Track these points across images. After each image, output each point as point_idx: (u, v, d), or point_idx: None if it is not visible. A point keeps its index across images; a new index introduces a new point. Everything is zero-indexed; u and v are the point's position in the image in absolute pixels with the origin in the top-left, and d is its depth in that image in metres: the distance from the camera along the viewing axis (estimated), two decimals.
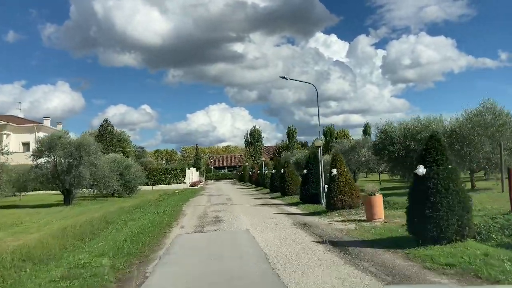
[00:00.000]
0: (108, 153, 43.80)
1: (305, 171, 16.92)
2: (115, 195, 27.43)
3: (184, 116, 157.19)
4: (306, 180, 16.80)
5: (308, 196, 16.42)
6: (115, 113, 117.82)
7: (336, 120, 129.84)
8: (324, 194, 14.38)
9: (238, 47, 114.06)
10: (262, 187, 32.75)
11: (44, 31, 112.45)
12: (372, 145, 20.85)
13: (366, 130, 72.42)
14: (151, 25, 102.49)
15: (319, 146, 15.82)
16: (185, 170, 42.09)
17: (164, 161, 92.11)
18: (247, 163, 52.75)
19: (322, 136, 72.85)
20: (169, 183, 41.16)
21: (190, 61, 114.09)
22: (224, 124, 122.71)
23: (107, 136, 46.84)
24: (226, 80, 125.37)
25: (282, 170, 21.00)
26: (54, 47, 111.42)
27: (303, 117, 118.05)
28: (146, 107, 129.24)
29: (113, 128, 47.95)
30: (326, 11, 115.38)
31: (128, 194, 28.51)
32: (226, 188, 39.37)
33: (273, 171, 25.39)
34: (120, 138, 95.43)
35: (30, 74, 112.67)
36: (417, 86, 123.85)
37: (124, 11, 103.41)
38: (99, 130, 47.27)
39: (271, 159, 66.55)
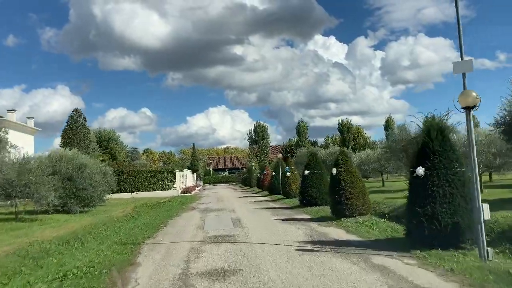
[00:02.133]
0: (83, 153, 34.68)
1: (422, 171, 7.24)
2: (62, 209, 17.81)
3: (184, 119, 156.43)
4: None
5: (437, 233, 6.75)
6: (115, 116, 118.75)
7: (335, 122, 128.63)
8: None
9: (237, 50, 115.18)
10: (279, 196, 23.29)
11: (43, 35, 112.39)
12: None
13: (388, 125, 62.79)
14: (150, 28, 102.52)
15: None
16: (174, 173, 32.52)
17: (161, 163, 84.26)
18: (253, 164, 43.14)
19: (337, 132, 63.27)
20: (154, 189, 31.62)
21: (189, 64, 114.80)
22: (224, 127, 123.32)
23: (79, 131, 37.05)
24: (225, 83, 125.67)
25: (334, 171, 11.40)
26: (54, 51, 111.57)
27: (303, 119, 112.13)
28: (146, 110, 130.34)
29: (85, 121, 38.01)
30: (325, 14, 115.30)
31: (82, 208, 18.86)
32: (229, 196, 29.81)
33: (306, 172, 15.82)
34: (108, 138, 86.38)
35: (30, 78, 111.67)
36: (416, 87, 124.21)
37: (123, 14, 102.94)
38: (67, 123, 37.40)
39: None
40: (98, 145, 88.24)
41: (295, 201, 18.44)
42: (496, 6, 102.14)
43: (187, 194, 31.43)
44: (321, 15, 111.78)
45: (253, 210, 16.58)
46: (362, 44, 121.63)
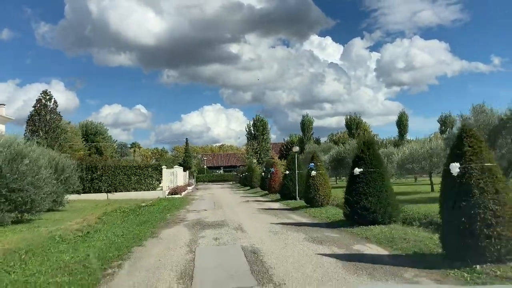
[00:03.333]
0: (53, 146, 28.48)
1: None
2: None
3: (178, 117, 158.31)
4: None
5: None
6: (110, 112, 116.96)
7: (330, 122, 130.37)
8: None
9: (233, 48, 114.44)
10: (298, 202, 17.48)
11: (38, 30, 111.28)
12: None
13: (401, 122, 57.13)
14: (146, 25, 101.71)
15: None
16: (161, 169, 26.46)
17: (154, 161, 78.61)
18: (254, 161, 37.25)
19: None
20: (136, 189, 25.63)
21: (185, 61, 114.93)
22: (218, 125, 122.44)
23: (48, 118, 30.83)
24: (221, 81, 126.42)
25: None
26: (49, 46, 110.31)
27: (297, 118, 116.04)
28: (140, 107, 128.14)
29: (56, 106, 31.71)
30: (322, 14, 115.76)
31: (19, 216, 12.82)
32: (228, 199, 23.88)
33: (358, 170, 9.90)
34: (95, 131, 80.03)
35: (24, 73, 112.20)
36: (411, 89, 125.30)
37: (119, 11, 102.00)
38: (34, 108, 31.07)
39: (284, 157, 51.35)
40: (83, 139, 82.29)
41: (332, 213, 12.59)
42: (490, 10, 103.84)
43: (176, 196, 25.48)
44: (318, 15, 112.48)
45: (274, 228, 10.65)
46: (358, 45, 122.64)
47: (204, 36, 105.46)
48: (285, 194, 19.76)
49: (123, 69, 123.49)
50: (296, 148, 19.49)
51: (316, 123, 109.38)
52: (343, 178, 34.64)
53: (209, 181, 69.58)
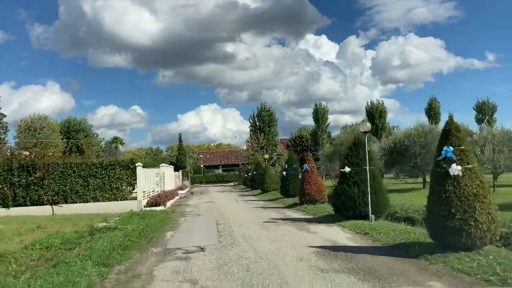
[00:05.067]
0: None
1: None
2: None
3: (174, 117, 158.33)
4: None
5: None
6: (106, 113, 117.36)
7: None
8: None
9: (228, 47, 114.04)
10: (379, 225, 8.92)
11: (33, 31, 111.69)
12: None
13: (431, 109, 48.49)
14: (141, 25, 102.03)
15: None
16: (134, 169, 17.52)
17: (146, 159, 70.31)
18: (266, 156, 28.69)
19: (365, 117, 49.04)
20: (96, 199, 16.87)
21: (180, 61, 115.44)
22: (215, 125, 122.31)
23: None
24: (216, 81, 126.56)
25: None
26: (43, 47, 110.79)
27: (293, 117, 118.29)
28: (136, 108, 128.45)
29: None
30: (317, 13, 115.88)
31: None
32: (239, 215, 14.88)
33: None
34: (77, 128, 71.04)
35: (19, 75, 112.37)
36: (407, 86, 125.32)
37: (114, 11, 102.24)
38: None
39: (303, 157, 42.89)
40: (65, 136, 73.25)
41: None
42: (484, 7, 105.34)
43: (158, 209, 16.76)
44: (313, 14, 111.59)
45: None
46: (353, 43, 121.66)
47: (199, 35, 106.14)
48: (342, 207, 11.08)
49: (118, 70, 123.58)
50: (367, 126, 10.81)
51: (311, 122, 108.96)
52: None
53: (206, 182, 60.89)
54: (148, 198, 18.37)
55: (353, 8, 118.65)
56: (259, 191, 27.93)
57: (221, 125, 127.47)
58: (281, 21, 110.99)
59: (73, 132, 71.85)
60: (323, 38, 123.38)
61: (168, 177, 29.79)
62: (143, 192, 17.91)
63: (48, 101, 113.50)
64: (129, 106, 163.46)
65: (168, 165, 30.55)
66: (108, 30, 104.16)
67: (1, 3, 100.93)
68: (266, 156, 27.08)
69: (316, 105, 49.12)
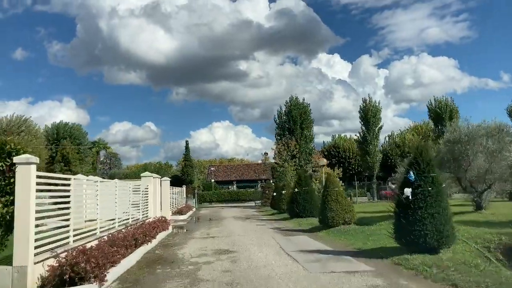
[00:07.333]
0: None
1: None
2: None
3: (187, 134, 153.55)
4: None
5: None
6: (119, 129, 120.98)
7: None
8: None
9: (242, 66, 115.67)
10: None
11: (50, 49, 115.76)
12: None
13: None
14: (155, 43, 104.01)
15: None
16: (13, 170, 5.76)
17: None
18: (324, 162, 16.69)
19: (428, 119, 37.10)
20: None
21: (194, 79, 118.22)
22: (227, 142, 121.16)
23: None
24: (229, 98, 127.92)
25: None
26: (61, 64, 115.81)
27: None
28: (150, 124, 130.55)
29: None
30: (331, 33, 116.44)
31: None
32: None
33: None
34: (68, 135, 60.82)
35: (36, 91, 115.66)
36: (420, 105, 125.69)
37: (129, 30, 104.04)
38: None
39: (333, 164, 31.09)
40: (53, 144, 62.93)
41: None
42: (498, 28, 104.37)
43: None
44: (327, 34, 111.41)
45: None
46: (366, 62, 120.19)
47: (213, 54, 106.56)
48: None
49: (133, 87, 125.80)
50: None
51: (325, 139, 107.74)
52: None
53: (218, 201, 49.16)
54: (64, 259, 6.62)
55: (366, 28, 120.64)
56: (312, 221, 16.07)
57: (233, 142, 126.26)
58: (294, 40, 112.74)
59: (63, 139, 61.17)
60: (336, 57, 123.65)
61: (157, 196, 18.20)
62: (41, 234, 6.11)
63: (63, 116, 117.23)
64: (142, 123, 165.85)
65: (158, 176, 18.99)
66: (124, 48, 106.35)
67: (22, 22, 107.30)
68: (324, 161, 15.46)
69: (364, 101, 36.97)
